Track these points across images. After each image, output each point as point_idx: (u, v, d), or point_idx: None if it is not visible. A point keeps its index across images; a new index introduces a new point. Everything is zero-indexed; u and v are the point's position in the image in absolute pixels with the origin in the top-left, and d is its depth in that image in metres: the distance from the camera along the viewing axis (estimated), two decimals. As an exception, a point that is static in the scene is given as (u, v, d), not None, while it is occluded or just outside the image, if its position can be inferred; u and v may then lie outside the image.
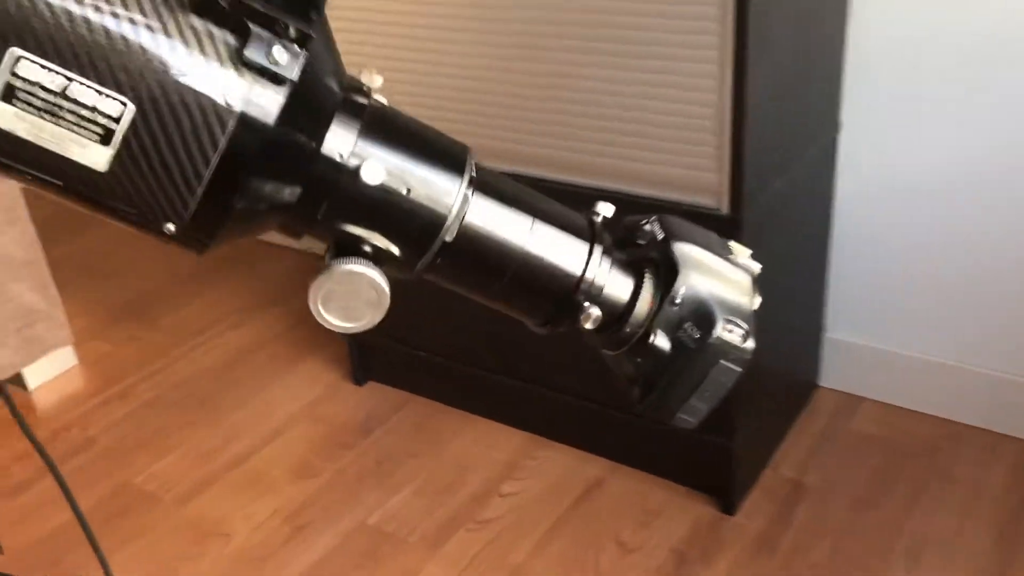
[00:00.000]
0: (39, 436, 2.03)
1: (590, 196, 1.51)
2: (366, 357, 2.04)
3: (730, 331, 0.55)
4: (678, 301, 0.55)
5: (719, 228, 1.43)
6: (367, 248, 0.52)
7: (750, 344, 0.56)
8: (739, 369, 0.56)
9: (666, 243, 0.56)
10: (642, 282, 0.56)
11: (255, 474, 1.84)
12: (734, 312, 0.56)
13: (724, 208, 1.38)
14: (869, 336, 1.84)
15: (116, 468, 1.87)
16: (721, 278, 0.56)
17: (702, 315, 0.55)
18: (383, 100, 0.53)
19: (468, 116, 1.57)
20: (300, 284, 2.62)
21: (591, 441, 1.77)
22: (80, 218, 2.93)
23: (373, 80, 0.51)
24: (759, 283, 0.59)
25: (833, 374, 1.90)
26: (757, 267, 0.59)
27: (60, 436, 1.98)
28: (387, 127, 0.50)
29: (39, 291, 2.08)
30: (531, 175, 1.53)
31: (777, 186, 1.49)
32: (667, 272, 0.56)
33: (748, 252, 0.60)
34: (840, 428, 1.82)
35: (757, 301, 0.58)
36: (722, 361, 0.55)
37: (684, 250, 0.56)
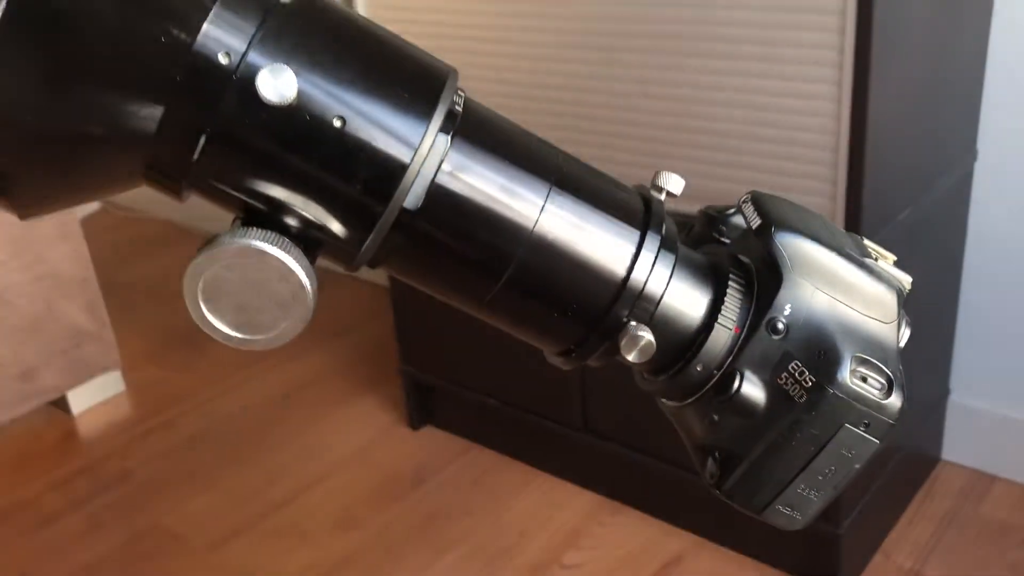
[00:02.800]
0: (78, 463, 1.91)
1: (682, 224, 1.28)
2: (424, 399, 1.86)
3: (863, 379, 0.34)
4: (781, 327, 0.34)
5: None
6: (290, 221, 0.33)
7: (895, 401, 0.35)
8: (875, 441, 0.35)
9: (765, 233, 0.35)
10: (724, 295, 0.36)
11: (293, 522, 1.66)
12: (871, 349, 0.35)
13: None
14: (1003, 403, 1.56)
15: (149, 505, 1.72)
16: (851, 293, 0.35)
17: (819, 351, 0.34)
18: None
19: (555, 131, 1.39)
20: (364, 316, 2.47)
21: (672, 510, 1.53)
22: (140, 245, 2.86)
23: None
24: (907, 307, 0.38)
25: (959, 446, 1.62)
26: (907, 279, 0.38)
27: (99, 466, 1.85)
28: (312, 20, 0.32)
29: (88, 311, 1.97)
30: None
31: (900, 220, 1.25)
32: (764, 281, 0.35)
33: (893, 258, 0.39)
34: (968, 512, 1.54)
35: (906, 335, 0.37)
36: (848, 426, 0.34)
37: (793, 245, 0.35)
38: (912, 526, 1.52)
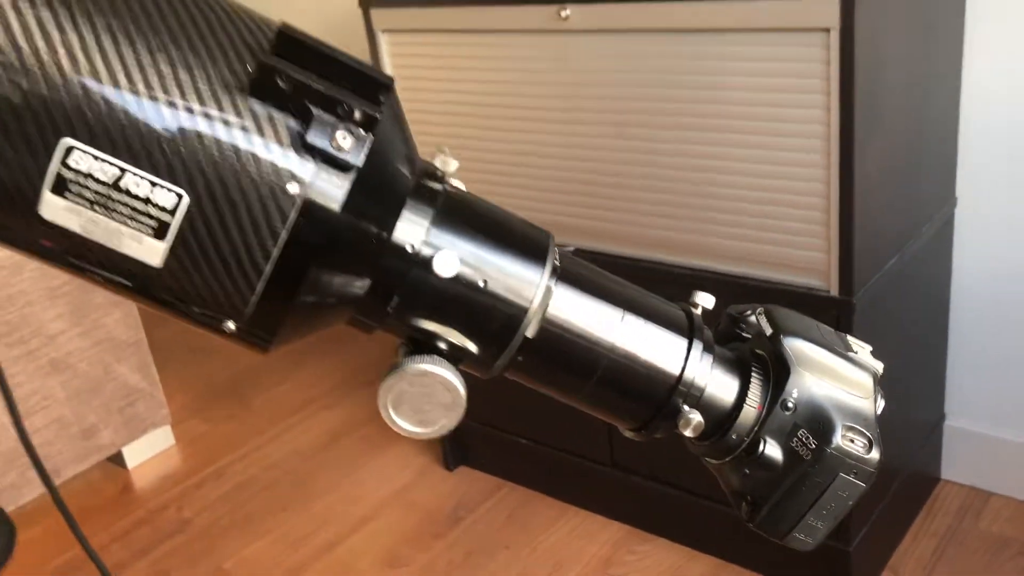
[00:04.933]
0: (138, 515, 2.04)
1: (693, 277, 1.43)
2: (458, 441, 1.99)
3: (851, 440, 0.49)
4: (791, 405, 0.49)
5: (829, 311, 1.34)
6: (442, 345, 0.47)
7: (874, 455, 0.49)
8: (862, 484, 0.49)
9: (776, 338, 0.50)
10: (749, 383, 0.50)
11: (345, 563, 1.79)
12: (855, 418, 0.49)
13: (834, 290, 1.30)
14: (995, 425, 1.70)
15: (209, 551, 1.85)
16: (840, 379, 0.50)
17: (819, 421, 0.48)
18: (460, 185, 0.49)
19: (567, 196, 1.54)
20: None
21: (695, 536, 1.67)
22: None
23: (448, 164, 0.47)
24: (882, 383, 0.52)
25: (956, 466, 1.76)
26: (879, 366, 0.52)
27: (157, 516, 1.98)
28: (462, 214, 0.46)
29: (141, 371, 2.11)
30: (632, 255, 1.49)
31: (891, 266, 1.40)
32: (777, 372, 0.50)
33: (869, 348, 0.53)
34: (968, 527, 1.67)
35: (881, 404, 0.51)
36: (842, 475, 0.48)
37: (797, 346, 0.50)
38: (916, 542, 1.65)
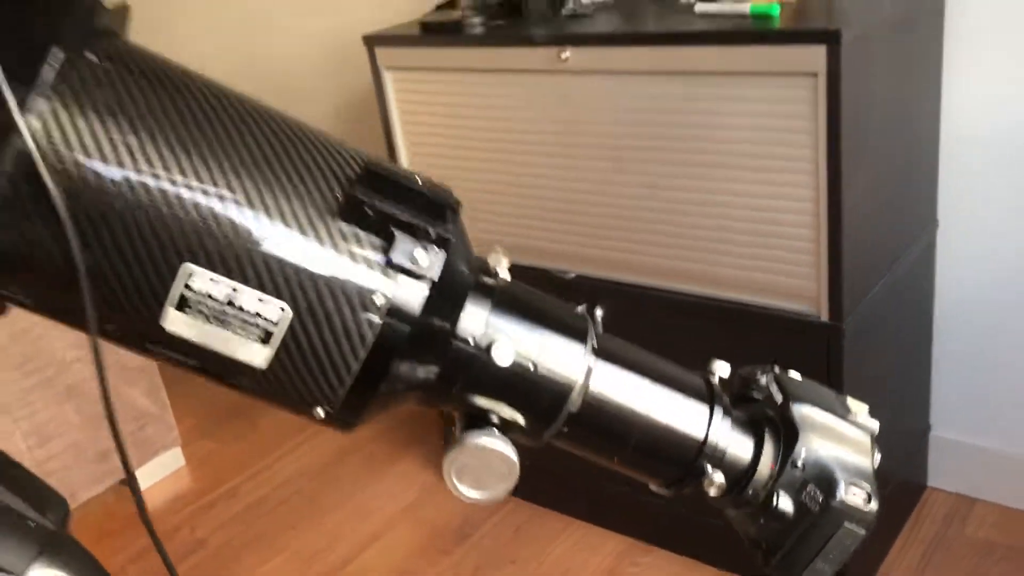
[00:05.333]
0: (151, 537, 2.09)
1: (688, 303, 1.50)
2: (463, 458, 2.06)
3: (854, 494, 0.56)
4: (800, 464, 0.56)
5: (820, 337, 1.42)
6: (495, 419, 0.54)
7: (873, 506, 0.56)
8: (863, 532, 0.56)
9: (785, 405, 0.57)
10: (763, 443, 0.57)
11: (357, 578, 1.86)
12: (856, 474, 0.56)
13: (824, 316, 1.38)
14: (979, 434, 1.78)
15: (225, 571, 1.91)
16: (841, 439, 0.57)
17: (824, 478, 0.56)
18: (507, 276, 0.56)
19: (567, 226, 1.61)
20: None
21: (695, 548, 1.74)
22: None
23: (500, 262, 0.54)
24: (878, 440, 0.59)
25: (942, 474, 1.84)
26: (875, 425, 0.59)
27: (171, 537, 2.04)
28: (514, 305, 0.53)
29: (151, 395, 2.17)
30: (630, 281, 1.56)
31: (877, 290, 1.47)
32: (787, 434, 0.57)
33: (866, 408, 0.60)
34: (954, 533, 1.75)
35: (877, 459, 0.59)
36: (846, 524, 0.56)
37: (803, 412, 0.57)
38: (905, 549, 1.73)
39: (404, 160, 1.77)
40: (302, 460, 2.25)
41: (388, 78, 1.72)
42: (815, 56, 1.24)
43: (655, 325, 1.52)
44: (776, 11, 1.34)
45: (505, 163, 1.63)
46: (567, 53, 1.46)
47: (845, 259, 1.34)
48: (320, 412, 0.50)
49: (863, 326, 1.43)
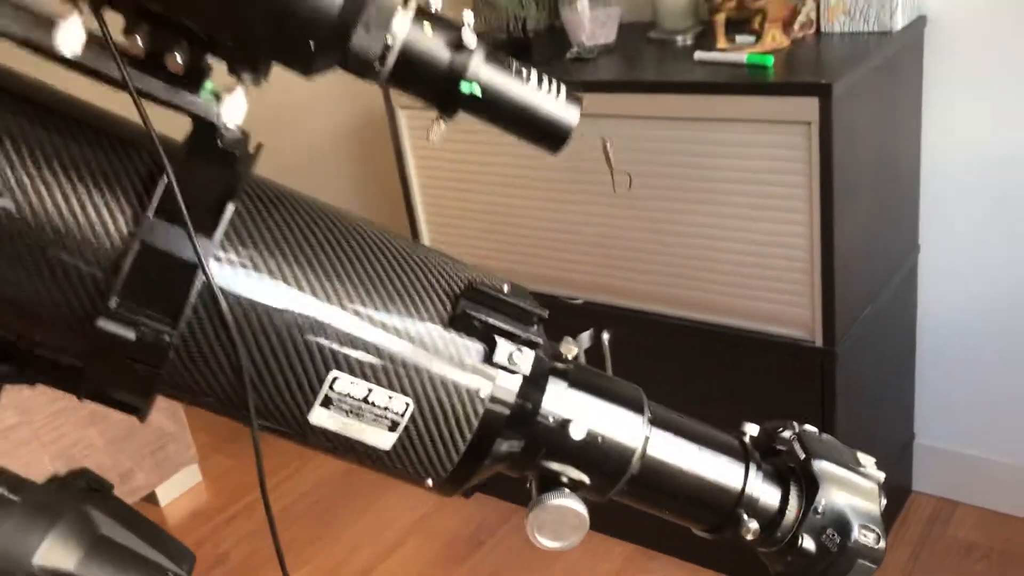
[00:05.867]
0: (174, 552, 2.18)
1: (692, 329, 1.61)
2: (473, 470, 2.16)
3: (865, 536, 0.67)
4: (820, 511, 0.67)
5: (815, 360, 1.53)
6: (565, 480, 0.65)
7: (882, 545, 0.67)
8: (874, 567, 0.67)
9: (807, 461, 0.68)
10: (788, 492, 0.68)
11: (378, 588, 1.96)
12: (867, 518, 0.67)
13: (818, 341, 1.49)
14: (959, 442, 1.90)
15: (249, 584, 2.01)
16: (854, 489, 0.68)
17: (841, 523, 0.67)
18: (580, 359, 0.66)
19: (576, 256, 1.72)
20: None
21: (699, 554, 1.85)
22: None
23: (571, 350, 0.65)
24: (883, 488, 0.71)
25: (926, 479, 1.96)
26: (881, 475, 0.70)
27: (195, 552, 2.13)
28: (584, 386, 0.64)
29: (170, 415, 2.26)
30: (638, 308, 1.66)
31: (866, 314, 1.59)
32: (809, 486, 0.68)
33: (872, 460, 0.71)
34: (938, 534, 1.88)
35: (883, 503, 0.70)
36: (859, 561, 0.67)
37: (823, 467, 0.68)
38: (895, 549, 1.85)
39: (417, 196, 1.87)
40: (317, 473, 2.35)
41: (402, 116, 1.82)
42: (809, 107, 1.35)
43: (662, 349, 1.64)
44: (770, 62, 1.45)
45: (517, 197, 1.74)
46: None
47: (837, 289, 1.46)
48: (430, 483, 0.60)
49: (853, 348, 1.55)
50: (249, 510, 2.25)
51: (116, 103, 0.51)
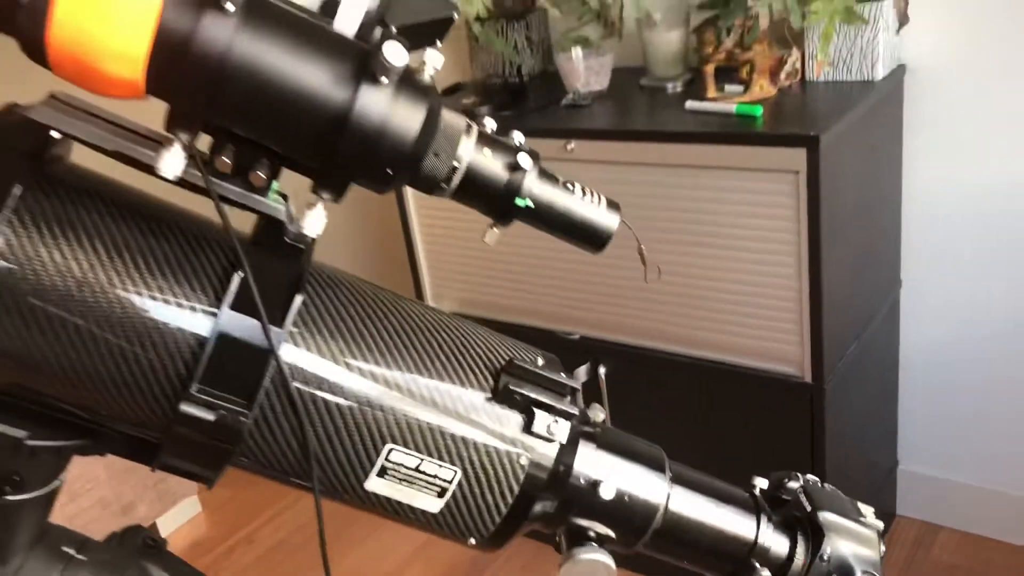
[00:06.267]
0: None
1: (688, 365, 1.66)
2: (470, 499, 2.21)
3: (867, 579, 0.73)
4: (826, 559, 0.73)
5: (804, 395, 1.60)
6: (593, 534, 0.70)
7: (882, 587, 0.73)
8: (875, 604, 0.73)
9: (813, 513, 0.74)
10: (796, 540, 0.74)
11: (380, 618, 2.00)
12: (868, 563, 0.73)
13: (807, 377, 1.56)
14: (941, 468, 1.98)
15: (252, 615, 2.05)
16: (856, 538, 0.74)
17: (845, 570, 0.73)
18: (606, 422, 0.72)
19: (576, 294, 1.77)
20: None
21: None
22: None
23: (598, 415, 0.70)
24: (882, 536, 0.77)
25: (909, 504, 2.03)
26: (880, 524, 0.76)
27: (196, 584, 2.16)
28: (611, 447, 0.69)
29: (172, 448, 2.29)
30: (635, 344, 1.72)
31: (852, 350, 1.66)
32: (815, 535, 0.74)
33: (871, 510, 0.78)
34: (922, 557, 1.94)
35: (883, 550, 0.76)
36: (862, 604, 0.73)
37: (827, 518, 0.74)
38: (880, 573, 1.92)
39: (417, 228, 1.92)
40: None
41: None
42: (797, 157, 1.42)
43: (657, 383, 1.70)
44: (759, 112, 1.52)
45: (518, 236, 1.79)
46: (572, 145, 1.63)
47: (825, 327, 1.52)
48: (473, 541, 0.66)
49: (840, 382, 1.62)
50: (247, 541, 2.29)
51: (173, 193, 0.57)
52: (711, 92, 1.62)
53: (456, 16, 0.58)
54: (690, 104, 1.61)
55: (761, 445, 1.65)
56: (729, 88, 1.61)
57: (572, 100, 1.76)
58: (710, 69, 1.63)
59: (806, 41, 1.63)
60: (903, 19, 1.57)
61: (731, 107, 1.54)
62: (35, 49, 0.44)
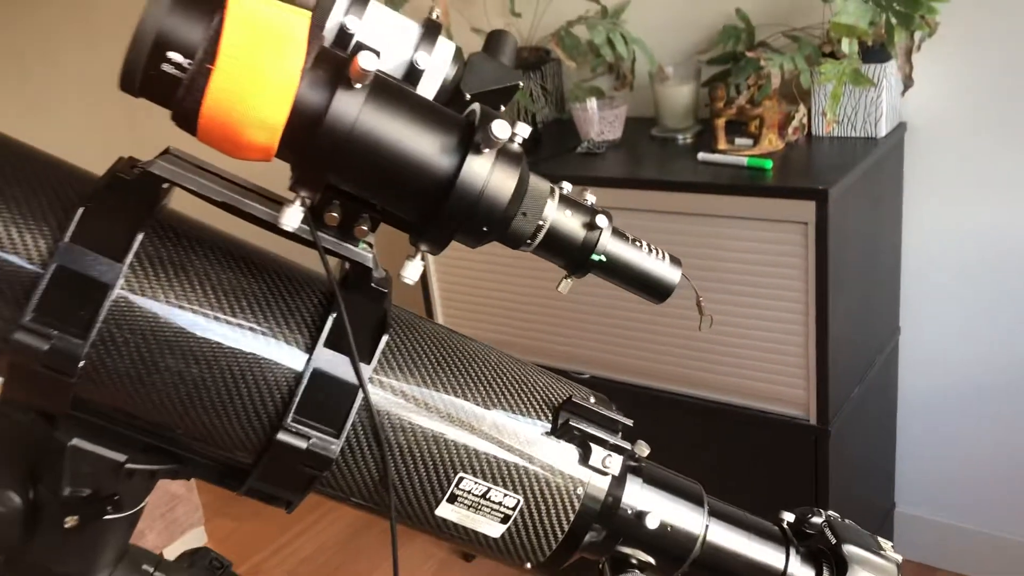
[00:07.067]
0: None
1: (697, 406, 1.71)
2: (475, 534, 2.25)
3: (887, 605, 0.78)
4: (849, 589, 0.78)
5: (808, 437, 1.65)
6: (634, 562, 0.76)
7: (901, 612, 0.79)
8: (893, 621, 0.79)
9: (838, 546, 0.80)
10: (821, 571, 0.80)
11: (386, 650, 2.03)
12: (889, 593, 0.79)
13: (812, 419, 1.62)
14: (937, 511, 2.03)
15: (259, 646, 2.07)
16: (878, 570, 0.80)
17: (868, 599, 0.78)
18: (645, 454, 0.77)
19: (587, 334, 1.83)
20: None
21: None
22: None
23: (643, 450, 0.76)
24: (900, 568, 0.82)
25: (906, 545, 2.08)
26: (899, 558, 0.82)
27: (203, 614, 2.18)
28: (655, 482, 0.75)
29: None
30: (645, 385, 1.78)
31: (855, 393, 1.72)
32: (839, 566, 0.79)
33: (890, 544, 0.83)
34: (918, 599, 2.00)
35: (900, 580, 0.82)
36: (882, 622, 0.78)
37: (851, 551, 0.79)
38: (877, 613, 1.96)
39: (433, 275, 1.98)
40: (322, 536, 2.42)
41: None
42: (806, 209, 1.49)
43: (666, 423, 1.75)
44: (769, 165, 1.59)
45: (532, 278, 1.86)
46: (588, 193, 1.69)
47: (830, 371, 1.59)
48: (529, 565, 0.71)
49: (843, 425, 1.68)
50: (253, 573, 2.31)
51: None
52: (722, 144, 1.69)
53: (521, 84, 0.65)
54: (702, 156, 1.68)
55: (766, 484, 1.70)
56: (739, 141, 1.69)
57: (587, 148, 1.83)
58: (721, 122, 1.70)
59: (812, 98, 1.71)
60: (908, 82, 1.66)
61: (742, 160, 1.62)
62: (187, 118, 0.50)
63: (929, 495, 2.03)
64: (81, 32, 3.06)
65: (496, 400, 0.68)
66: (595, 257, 0.61)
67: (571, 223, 0.60)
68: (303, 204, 0.55)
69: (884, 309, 1.88)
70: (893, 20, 1.54)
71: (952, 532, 2.02)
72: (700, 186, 1.61)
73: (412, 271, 0.58)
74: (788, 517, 0.83)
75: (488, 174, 0.54)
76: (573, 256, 0.62)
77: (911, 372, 1.96)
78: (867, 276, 1.76)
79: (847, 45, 1.54)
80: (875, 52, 1.63)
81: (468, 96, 0.60)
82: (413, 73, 0.58)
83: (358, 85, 0.51)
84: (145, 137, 0.61)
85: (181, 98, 0.49)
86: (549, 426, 0.69)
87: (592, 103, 1.83)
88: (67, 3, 3.08)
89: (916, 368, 1.95)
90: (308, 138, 0.51)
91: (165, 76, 0.49)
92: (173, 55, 0.49)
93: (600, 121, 1.83)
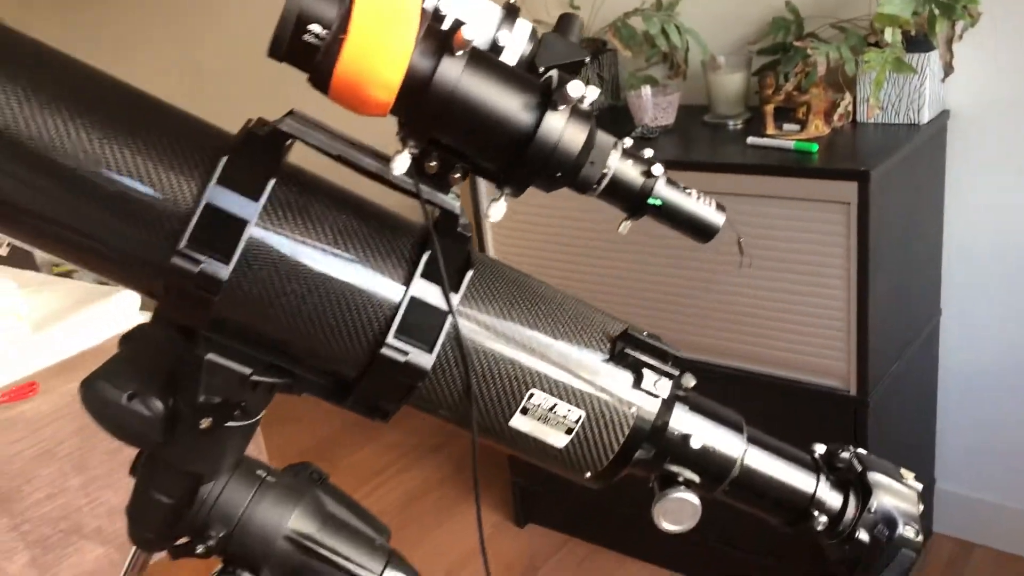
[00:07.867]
0: None
1: (743, 377, 1.81)
2: (527, 500, 2.36)
3: (908, 530, 0.88)
4: (873, 511, 0.88)
5: (849, 409, 1.75)
6: (680, 480, 0.86)
7: (920, 538, 0.88)
8: (915, 554, 0.88)
9: (863, 473, 0.89)
10: (848, 496, 0.89)
11: (443, 608, 2.15)
12: (909, 517, 0.89)
13: (853, 390, 1.70)
14: (976, 488, 2.10)
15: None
16: (899, 495, 0.89)
17: (889, 520, 0.88)
18: (691, 387, 0.88)
19: (637, 310, 1.94)
20: (452, 431, 2.96)
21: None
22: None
23: (689, 381, 0.87)
24: (921, 495, 0.92)
25: (945, 522, 2.15)
26: (919, 486, 0.92)
27: None
28: (700, 409, 0.85)
29: (253, 443, 2.46)
30: (695, 358, 1.87)
31: (894, 368, 1.80)
32: (864, 492, 0.89)
33: (912, 475, 0.93)
34: (957, 575, 2.06)
35: (921, 508, 0.91)
36: (904, 550, 0.88)
37: (875, 478, 0.89)
38: (915, 585, 2.03)
39: (491, 245, 2.10)
40: (379, 503, 2.55)
41: (483, 190, 2.05)
42: (849, 190, 1.58)
43: (711, 394, 1.84)
44: (815, 148, 1.68)
45: (584, 255, 1.96)
46: (647, 148, 1.79)
47: (870, 345, 1.67)
48: (588, 475, 0.82)
49: (882, 398, 1.76)
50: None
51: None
52: (770, 129, 1.78)
53: (587, 60, 0.76)
54: (752, 140, 1.77)
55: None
56: (787, 127, 1.78)
57: (641, 133, 1.93)
58: (769, 109, 1.79)
59: (857, 86, 1.79)
60: (948, 69, 1.73)
61: (789, 144, 1.71)
62: (322, 79, 0.62)
63: (969, 472, 2.09)
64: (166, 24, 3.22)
65: (561, 330, 0.79)
66: (651, 201, 0.72)
67: (631, 171, 0.71)
68: (410, 152, 0.66)
69: (925, 290, 1.95)
70: (936, 11, 1.62)
71: (992, 510, 2.08)
72: (748, 167, 1.70)
73: (496, 211, 0.69)
74: (820, 449, 0.93)
75: (563, 128, 0.65)
76: (632, 200, 0.72)
77: (952, 353, 2.03)
78: (907, 257, 1.84)
79: (890, 35, 1.62)
80: (918, 42, 1.70)
81: (541, 69, 0.71)
82: (495, 49, 0.70)
83: (459, 53, 0.62)
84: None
85: (319, 62, 0.61)
86: (607, 353, 0.80)
87: (646, 90, 1.93)
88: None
89: (957, 349, 2.02)
90: (419, 96, 0.62)
91: (306, 44, 0.61)
92: (313, 27, 0.61)
93: (654, 107, 1.92)
